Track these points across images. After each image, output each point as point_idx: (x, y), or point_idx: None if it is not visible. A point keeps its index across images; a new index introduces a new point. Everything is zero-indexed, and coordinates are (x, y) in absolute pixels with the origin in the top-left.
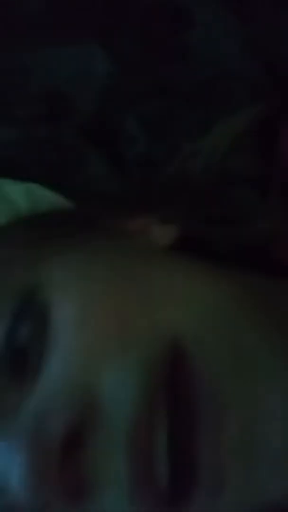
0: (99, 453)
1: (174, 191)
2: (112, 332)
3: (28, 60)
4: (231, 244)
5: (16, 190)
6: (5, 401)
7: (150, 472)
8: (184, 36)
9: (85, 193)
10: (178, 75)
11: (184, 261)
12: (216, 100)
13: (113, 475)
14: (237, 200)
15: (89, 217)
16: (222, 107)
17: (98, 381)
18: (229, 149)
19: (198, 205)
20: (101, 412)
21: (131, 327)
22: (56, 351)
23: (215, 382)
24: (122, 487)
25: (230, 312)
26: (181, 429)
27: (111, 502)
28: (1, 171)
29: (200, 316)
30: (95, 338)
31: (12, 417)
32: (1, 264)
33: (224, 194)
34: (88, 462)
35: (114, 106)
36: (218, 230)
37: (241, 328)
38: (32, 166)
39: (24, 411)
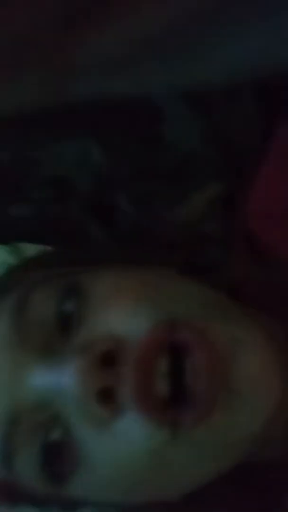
0: (122, 369)
1: (160, 251)
2: (130, 302)
3: (37, 154)
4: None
5: (30, 250)
6: (57, 346)
7: (151, 386)
8: (158, 129)
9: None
10: (156, 161)
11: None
12: (188, 179)
13: (126, 389)
14: (207, 255)
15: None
16: (193, 184)
17: (122, 329)
18: (201, 215)
19: (178, 258)
20: (124, 344)
21: (143, 300)
22: (93, 313)
23: (200, 327)
24: (130, 399)
25: (211, 304)
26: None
27: (123, 417)
28: (18, 239)
29: (188, 303)
30: (118, 305)
31: (63, 350)
32: (47, 277)
33: (197, 251)
34: (118, 375)
35: (108, 188)
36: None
37: (215, 310)
38: (45, 236)
39: (73, 345)
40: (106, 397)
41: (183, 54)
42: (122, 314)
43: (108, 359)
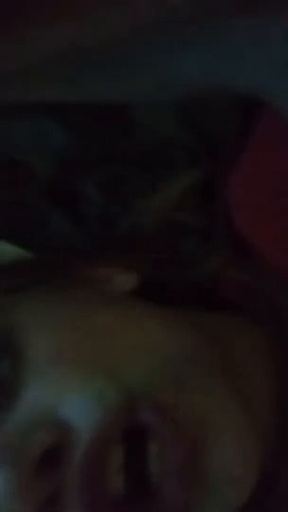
0: (68, 471)
1: (130, 243)
2: (75, 370)
3: None
4: (182, 285)
5: None
6: None
7: (103, 485)
8: (128, 110)
9: (50, 247)
10: (127, 144)
11: (139, 308)
12: (160, 165)
13: (73, 492)
14: (184, 247)
15: (54, 266)
16: (166, 171)
17: (66, 408)
18: (175, 205)
19: (151, 253)
20: (70, 433)
21: (90, 367)
22: (32, 383)
23: (164, 404)
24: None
25: (176, 358)
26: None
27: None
28: None
29: (147, 363)
30: (62, 374)
31: None
32: None
33: (173, 243)
34: (61, 478)
35: (72, 172)
36: (169, 274)
37: (182, 371)
38: None
39: (5, 435)
40: (50, 505)
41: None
42: (65, 388)
43: (50, 455)
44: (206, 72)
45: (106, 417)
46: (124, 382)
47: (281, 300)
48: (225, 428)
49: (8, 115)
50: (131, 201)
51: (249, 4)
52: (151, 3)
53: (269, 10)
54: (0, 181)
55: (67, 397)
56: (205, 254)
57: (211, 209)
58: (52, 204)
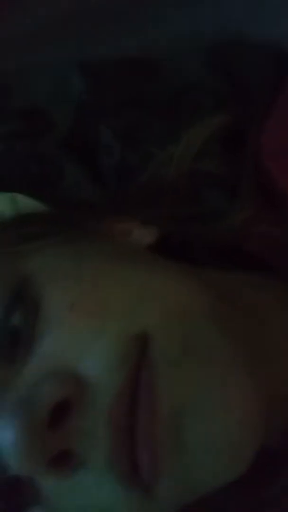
0: (86, 424)
1: (150, 195)
2: (94, 320)
3: (7, 79)
4: (206, 241)
5: (1, 199)
6: (2, 376)
7: (131, 443)
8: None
9: (67, 200)
10: (148, 89)
11: (160, 261)
12: (184, 111)
13: (93, 447)
14: (207, 199)
15: (71, 219)
16: (189, 117)
17: (82, 359)
18: (198, 153)
19: (172, 206)
20: (85, 387)
21: (111, 318)
22: (46, 334)
23: (167, 370)
24: (103, 457)
25: (193, 311)
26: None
27: (93, 471)
28: None
29: (166, 313)
30: (80, 325)
31: (4, 391)
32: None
33: (195, 195)
34: (76, 431)
35: (89, 120)
36: (192, 228)
37: (199, 333)
38: (15, 178)
39: (16, 385)
40: (66, 458)
41: None
42: (80, 340)
43: (66, 407)
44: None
45: (124, 368)
46: (139, 331)
47: None
48: (225, 392)
49: (32, 62)
50: (150, 150)
51: None
52: None
53: None
54: (19, 131)
55: (82, 349)
56: (230, 206)
57: (238, 158)
58: (70, 156)
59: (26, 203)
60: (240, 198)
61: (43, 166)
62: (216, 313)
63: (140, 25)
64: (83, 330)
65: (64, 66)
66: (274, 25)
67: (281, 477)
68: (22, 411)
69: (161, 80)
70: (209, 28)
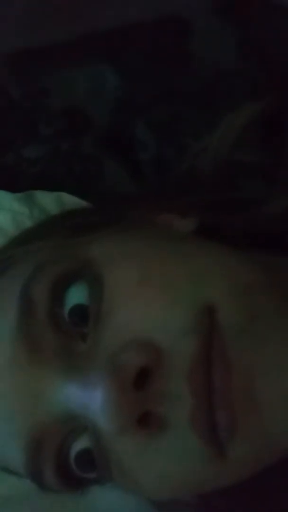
0: (166, 386)
1: (188, 187)
2: (164, 292)
3: (47, 82)
4: (246, 229)
5: (47, 198)
6: (76, 347)
7: (209, 402)
8: (184, 44)
9: (107, 196)
10: (182, 80)
11: (212, 243)
12: (218, 100)
13: (176, 408)
14: (246, 188)
15: (115, 213)
16: (224, 106)
17: (157, 328)
18: (234, 143)
19: (211, 196)
20: (162, 353)
21: (179, 290)
22: (117, 308)
23: (236, 336)
24: (185, 416)
25: (254, 283)
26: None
27: (175, 431)
28: (34, 184)
29: (230, 286)
30: (151, 297)
31: (87, 359)
32: (56, 247)
33: (233, 184)
34: (157, 394)
35: (125, 116)
36: (230, 218)
37: (260, 303)
38: (60, 177)
39: (97, 354)
40: (149, 419)
41: None
42: (151, 312)
43: (147, 373)
44: None
45: (203, 337)
46: (208, 303)
47: None
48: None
49: (66, 62)
50: (186, 142)
51: None
52: None
53: None
54: (60, 131)
55: (156, 319)
56: (269, 195)
57: (277, 145)
58: (108, 153)
59: (71, 201)
60: (279, 185)
61: (84, 164)
62: (275, 285)
63: None
64: (154, 302)
65: (97, 61)
66: None
67: None
68: (111, 373)
69: (194, 70)
70: None
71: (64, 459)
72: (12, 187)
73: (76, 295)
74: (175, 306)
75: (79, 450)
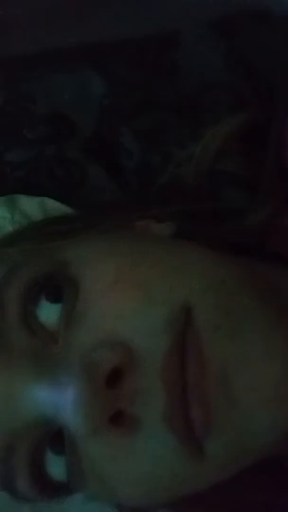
0: (139, 385)
1: (171, 195)
2: (138, 292)
3: (32, 88)
4: (228, 239)
5: (30, 203)
6: (47, 349)
7: (183, 398)
8: (171, 54)
9: (91, 202)
10: (167, 90)
11: (188, 243)
12: (203, 109)
13: (148, 406)
14: (227, 198)
15: (96, 218)
16: (209, 116)
17: (131, 327)
18: (217, 153)
19: (191, 205)
20: (135, 352)
21: (152, 289)
22: (91, 308)
23: (211, 333)
24: (158, 414)
25: (229, 280)
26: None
27: (149, 429)
28: (17, 188)
29: (205, 284)
30: (125, 296)
31: (60, 359)
32: (32, 251)
33: (215, 194)
34: (130, 392)
35: (110, 123)
36: (212, 227)
37: (235, 299)
38: (43, 183)
39: (70, 353)
40: (121, 419)
41: None
42: (125, 311)
43: (119, 373)
44: None
45: (175, 336)
46: (182, 301)
47: None
48: (266, 345)
49: (52, 68)
50: (170, 151)
51: None
52: None
53: None
54: (44, 136)
55: (130, 319)
56: (251, 204)
57: (260, 156)
58: (93, 159)
59: (54, 207)
60: (262, 196)
61: (68, 170)
62: (250, 282)
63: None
64: (127, 302)
65: (84, 68)
66: None
67: None
68: (82, 372)
69: (180, 78)
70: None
71: (38, 465)
72: None
73: (51, 297)
74: (148, 305)
75: (52, 455)
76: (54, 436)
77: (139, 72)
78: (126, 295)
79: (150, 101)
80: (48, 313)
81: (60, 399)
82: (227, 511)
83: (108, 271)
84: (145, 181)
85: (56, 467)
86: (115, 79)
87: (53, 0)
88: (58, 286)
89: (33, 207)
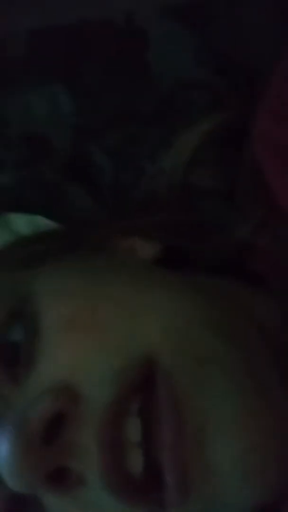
0: (78, 438)
1: (146, 212)
2: (91, 335)
3: (3, 108)
4: (207, 255)
5: (20, 221)
6: (3, 392)
7: (121, 459)
8: (140, 55)
9: (71, 221)
10: (138, 95)
11: (161, 275)
12: (176, 116)
13: (87, 462)
14: (204, 212)
15: (75, 237)
16: (181, 123)
17: (78, 374)
18: (189, 163)
19: (168, 221)
20: (81, 401)
21: (109, 335)
22: (45, 351)
23: (179, 390)
24: (95, 474)
25: (200, 328)
26: (150, 425)
27: (91, 487)
28: (2, 208)
29: (171, 332)
30: (77, 340)
31: (6, 409)
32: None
33: (190, 208)
34: (70, 446)
35: (84, 140)
36: (190, 243)
37: (206, 345)
38: (26, 203)
39: (18, 402)
40: (62, 475)
41: None
42: (76, 357)
43: (61, 420)
44: None
45: (123, 388)
46: (142, 347)
47: None
48: (238, 415)
49: (23, 85)
50: (141, 165)
51: None
52: None
53: None
54: (20, 159)
55: (79, 364)
56: (228, 219)
57: (236, 164)
58: (70, 177)
59: (44, 224)
60: (238, 209)
61: (46, 191)
62: (218, 323)
63: None
64: (80, 346)
65: (54, 84)
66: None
67: None
68: (17, 427)
69: (150, 79)
70: None
71: None
72: None
73: (12, 334)
74: (102, 350)
75: None
76: None
77: (107, 78)
78: (78, 338)
79: (121, 111)
80: (8, 350)
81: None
82: None
83: (65, 308)
84: (120, 198)
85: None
86: (83, 90)
87: None
88: (21, 324)
89: (22, 224)
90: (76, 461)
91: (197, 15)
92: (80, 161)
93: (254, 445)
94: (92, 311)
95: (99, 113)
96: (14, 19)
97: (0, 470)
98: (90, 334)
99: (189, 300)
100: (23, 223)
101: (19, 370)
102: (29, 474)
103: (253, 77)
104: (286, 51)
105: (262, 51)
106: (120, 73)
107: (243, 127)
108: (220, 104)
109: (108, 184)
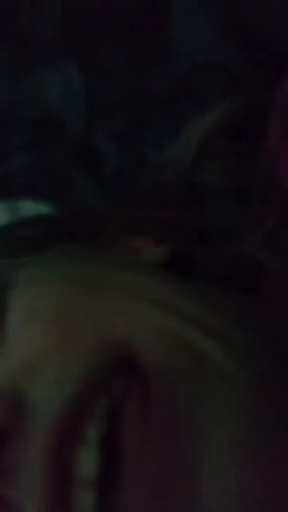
0: (18, 457)
1: (149, 207)
2: (44, 334)
3: (17, 90)
4: (214, 265)
5: (29, 207)
6: None
7: (68, 498)
8: (162, 30)
9: (74, 210)
10: (155, 75)
11: (162, 275)
12: (188, 101)
13: (30, 482)
14: (211, 217)
15: (71, 227)
16: (193, 109)
17: (30, 384)
18: (196, 156)
19: (171, 222)
20: (26, 410)
21: (60, 332)
22: (6, 349)
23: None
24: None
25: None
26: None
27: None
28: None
29: (153, 332)
30: (28, 340)
31: None
32: None
33: (199, 207)
34: (10, 467)
35: (90, 121)
36: (196, 249)
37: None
38: (33, 189)
39: None
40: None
41: None
42: (29, 357)
43: (4, 433)
44: None
45: (72, 397)
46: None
47: None
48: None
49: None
50: (144, 152)
51: None
52: None
53: None
54: (32, 142)
55: (33, 368)
56: (238, 227)
57: (250, 158)
58: (78, 165)
59: (32, 208)
60: (251, 214)
61: (52, 178)
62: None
63: None
64: (33, 347)
65: (67, 62)
66: None
67: None
68: None
69: (169, 56)
70: None
71: None
72: None
73: None
74: (60, 351)
75: None
76: None
77: (128, 53)
78: (32, 338)
79: (131, 92)
80: None
81: None
82: None
83: (26, 303)
84: (123, 188)
85: None
86: (98, 65)
87: None
88: None
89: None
90: (14, 488)
91: None
92: (87, 145)
93: None
94: (57, 305)
95: (113, 86)
96: None
97: None
98: (47, 329)
99: (172, 316)
100: (32, 209)
101: None
102: None
103: (280, 55)
104: None
105: None
106: (138, 50)
107: (261, 116)
108: (237, 89)
109: (111, 171)
